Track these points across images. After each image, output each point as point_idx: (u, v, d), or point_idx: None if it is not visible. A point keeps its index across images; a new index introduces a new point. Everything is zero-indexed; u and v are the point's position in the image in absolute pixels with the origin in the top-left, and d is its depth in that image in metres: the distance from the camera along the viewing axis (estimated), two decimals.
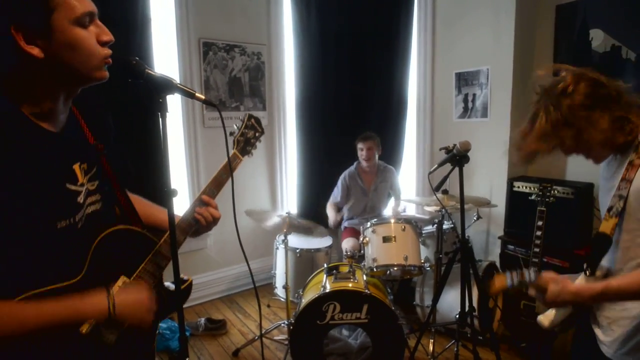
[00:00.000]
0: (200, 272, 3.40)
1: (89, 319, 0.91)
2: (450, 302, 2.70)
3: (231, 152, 1.28)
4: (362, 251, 2.75)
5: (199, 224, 1.20)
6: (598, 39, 2.96)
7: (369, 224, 2.72)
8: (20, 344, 0.84)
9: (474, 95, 3.51)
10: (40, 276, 0.87)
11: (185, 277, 1.20)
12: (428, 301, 2.82)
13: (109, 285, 0.99)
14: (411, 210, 4.07)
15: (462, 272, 2.28)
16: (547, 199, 2.28)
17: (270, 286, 3.23)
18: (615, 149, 1.19)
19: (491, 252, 3.47)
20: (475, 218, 2.99)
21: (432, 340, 2.61)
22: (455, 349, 2.40)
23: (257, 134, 1.37)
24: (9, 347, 0.84)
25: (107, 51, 0.90)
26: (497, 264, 3.08)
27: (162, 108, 0.97)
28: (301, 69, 3.63)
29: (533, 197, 2.33)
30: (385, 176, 3.43)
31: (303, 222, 2.71)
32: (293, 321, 2.35)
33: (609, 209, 1.17)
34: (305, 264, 2.94)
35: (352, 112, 3.87)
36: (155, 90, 0.97)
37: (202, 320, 3.00)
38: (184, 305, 1.08)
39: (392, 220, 2.70)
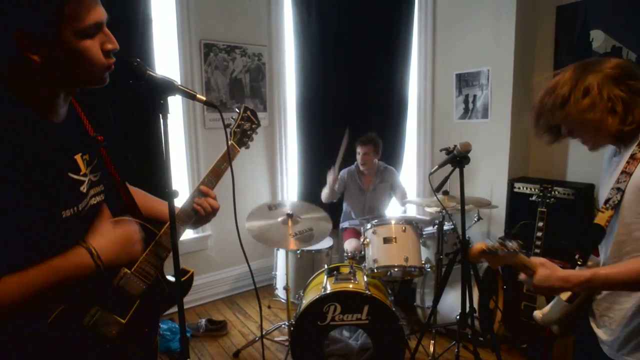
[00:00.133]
0: (200, 273, 3.40)
1: (70, 271, 0.87)
2: (451, 303, 2.70)
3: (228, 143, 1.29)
4: (362, 252, 2.75)
5: (198, 214, 1.20)
6: (598, 39, 2.96)
7: (369, 225, 2.72)
8: (17, 329, 0.84)
9: (475, 96, 3.51)
10: None
11: (186, 269, 1.21)
12: (429, 302, 2.82)
13: (110, 279, 0.99)
14: (412, 211, 4.07)
15: (463, 273, 2.28)
16: (547, 200, 2.28)
17: (270, 287, 3.23)
18: (612, 136, 1.18)
19: None
20: (475, 219, 2.99)
21: (432, 342, 2.61)
22: (456, 350, 2.40)
23: (253, 126, 1.38)
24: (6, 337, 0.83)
25: (110, 60, 0.89)
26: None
27: (163, 109, 0.98)
28: (302, 70, 3.63)
29: (534, 198, 2.33)
30: (385, 177, 3.43)
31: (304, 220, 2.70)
32: (294, 322, 2.35)
33: (606, 201, 1.16)
34: (305, 265, 2.94)
35: (352, 112, 3.87)
36: (156, 92, 0.97)
37: (203, 321, 3.00)
38: (185, 307, 1.08)
39: (393, 221, 2.70)
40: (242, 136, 1.36)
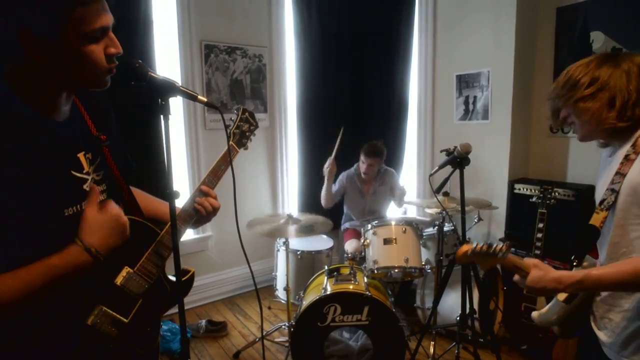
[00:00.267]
0: (201, 274, 3.40)
1: (69, 270, 0.87)
2: (451, 304, 2.70)
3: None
4: (363, 253, 2.75)
5: (199, 214, 1.21)
6: (599, 41, 2.96)
7: (369, 226, 2.72)
8: (16, 330, 0.84)
9: (475, 97, 3.52)
10: None
11: (187, 269, 1.21)
12: (429, 303, 2.82)
13: (113, 278, 1.00)
14: (412, 212, 4.07)
15: (463, 274, 2.28)
16: (548, 201, 2.28)
17: (271, 288, 3.23)
18: (604, 132, 1.18)
19: None
20: (476, 220, 2.99)
21: (432, 343, 2.61)
22: (456, 351, 2.40)
23: (251, 127, 1.41)
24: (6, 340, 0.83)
25: (112, 64, 0.89)
26: (498, 266, 3.08)
27: (164, 110, 0.98)
28: (302, 71, 3.64)
29: (534, 199, 2.33)
30: (385, 179, 3.42)
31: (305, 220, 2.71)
32: (294, 323, 2.35)
33: (601, 202, 1.17)
34: (306, 266, 2.94)
35: (353, 113, 3.88)
36: (157, 93, 0.98)
37: (203, 322, 3.00)
38: (185, 307, 1.08)
39: (393, 222, 2.70)
40: (241, 137, 1.38)
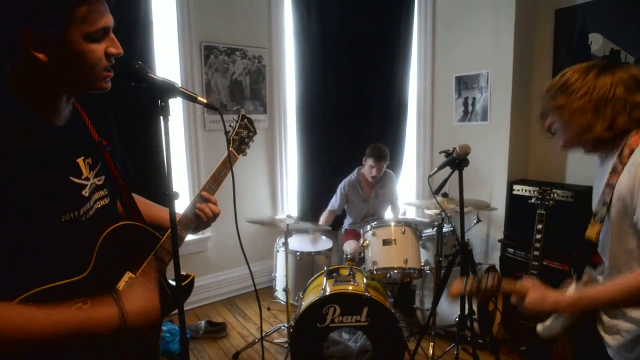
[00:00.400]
0: (200, 275, 3.40)
1: (98, 331, 0.87)
2: (450, 305, 2.70)
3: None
4: (362, 254, 2.75)
5: (199, 219, 1.22)
6: (597, 42, 2.97)
7: (369, 227, 2.73)
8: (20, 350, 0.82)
9: (474, 98, 3.52)
10: (46, 272, 0.86)
11: (187, 274, 1.22)
12: (428, 304, 2.83)
13: (115, 284, 0.99)
14: (411, 214, 4.07)
15: (462, 275, 2.29)
16: (546, 203, 2.28)
17: (270, 289, 3.23)
18: (588, 142, 1.18)
19: (491, 255, 3.48)
20: (475, 221, 3.00)
21: (432, 344, 2.61)
22: (455, 352, 2.40)
23: (250, 134, 1.42)
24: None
25: (111, 63, 0.89)
26: (497, 267, 3.09)
27: (164, 111, 0.98)
28: (302, 72, 3.64)
29: (533, 200, 2.33)
30: (385, 182, 3.43)
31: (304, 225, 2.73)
32: (293, 324, 2.35)
33: (594, 215, 1.18)
34: (305, 267, 2.94)
35: (352, 114, 3.88)
36: (157, 94, 0.98)
37: (202, 323, 3.00)
38: (185, 308, 1.08)
39: (392, 223, 2.71)
40: (240, 143, 1.39)
